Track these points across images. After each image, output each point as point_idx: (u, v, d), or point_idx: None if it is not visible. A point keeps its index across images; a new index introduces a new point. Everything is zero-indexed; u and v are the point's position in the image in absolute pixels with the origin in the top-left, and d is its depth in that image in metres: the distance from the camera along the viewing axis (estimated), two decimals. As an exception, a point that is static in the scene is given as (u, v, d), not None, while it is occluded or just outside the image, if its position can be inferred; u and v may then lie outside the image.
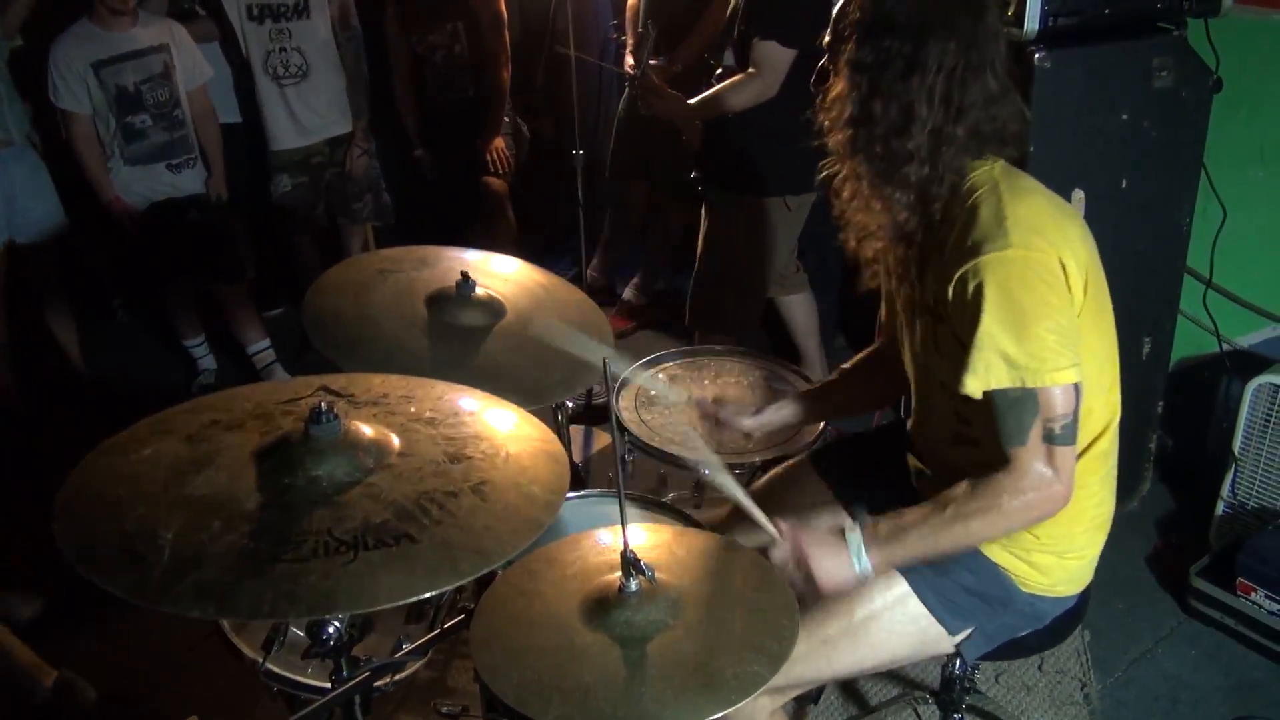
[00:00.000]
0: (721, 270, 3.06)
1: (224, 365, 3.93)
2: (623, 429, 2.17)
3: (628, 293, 4.11)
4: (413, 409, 1.40)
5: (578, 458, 2.89)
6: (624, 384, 2.30)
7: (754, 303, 3.12)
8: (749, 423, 1.88)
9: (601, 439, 3.24)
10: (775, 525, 1.51)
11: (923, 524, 1.44)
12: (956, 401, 1.44)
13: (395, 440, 1.31)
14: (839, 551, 1.47)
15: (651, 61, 3.04)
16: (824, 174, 1.58)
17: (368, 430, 1.30)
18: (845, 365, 1.93)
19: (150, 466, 1.22)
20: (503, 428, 1.42)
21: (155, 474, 1.21)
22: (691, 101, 2.87)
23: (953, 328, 1.43)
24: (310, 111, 3.75)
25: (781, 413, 1.89)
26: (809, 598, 1.50)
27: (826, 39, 1.52)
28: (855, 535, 1.47)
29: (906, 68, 1.40)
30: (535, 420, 1.46)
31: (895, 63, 1.40)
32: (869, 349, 1.90)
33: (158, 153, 3.47)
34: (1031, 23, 2.15)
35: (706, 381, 2.36)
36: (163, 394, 3.83)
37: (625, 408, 2.24)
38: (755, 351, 2.53)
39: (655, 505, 1.94)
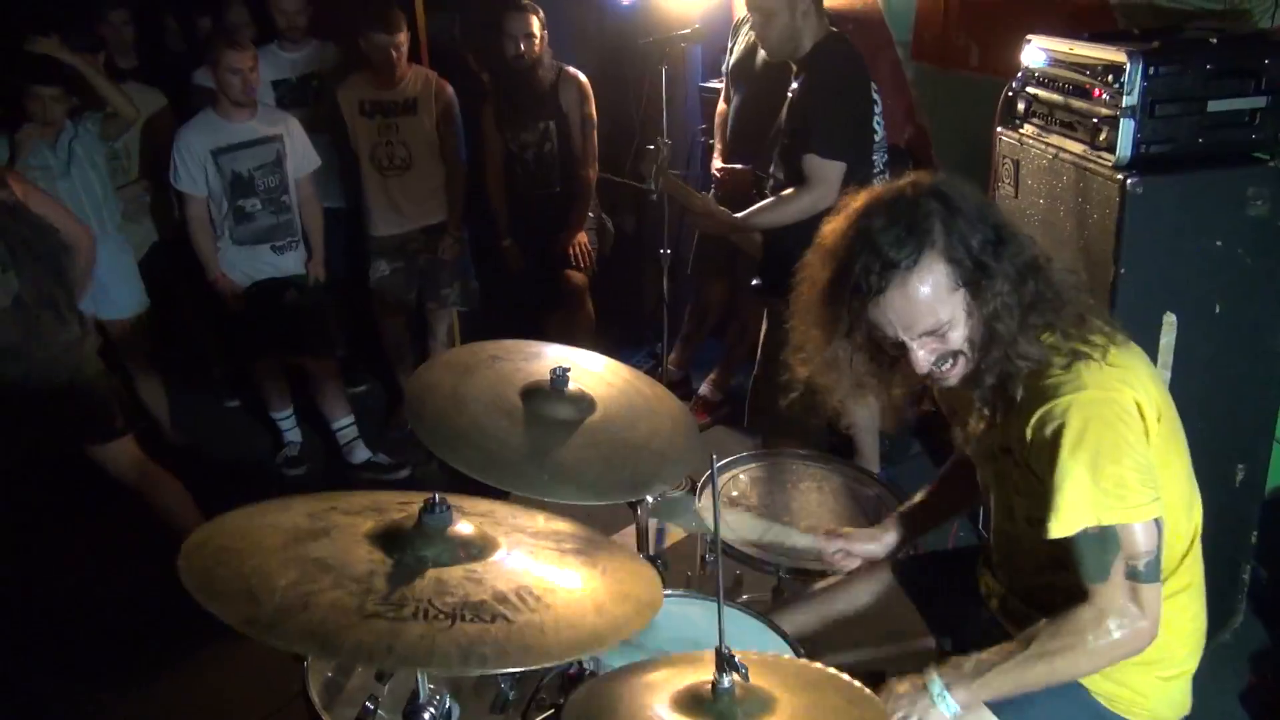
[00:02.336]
0: (779, 374, 3.08)
1: (309, 439, 4.05)
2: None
3: (704, 388, 4.15)
4: (517, 522, 1.46)
5: (650, 551, 2.90)
6: (707, 483, 2.32)
7: (813, 413, 3.12)
8: (873, 548, 1.92)
9: (673, 534, 3.25)
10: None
11: (1006, 661, 1.44)
12: (1040, 535, 1.44)
13: (501, 540, 1.36)
14: (921, 699, 1.47)
15: (676, 173, 3.08)
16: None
17: (478, 528, 1.34)
18: (942, 473, 1.95)
19: (271, 531, 1.29)
20: (600, 553, 1.45)
21: (274, 537, 1.28)
22: (741, 214, 2.91)
23: (1032, 469, 1.44)
24: (410, 201, 3.94)
25: (888, 536, 1.93)
26: None
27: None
28: (936, 680, 1.47)
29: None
30: (631, 550, 1.50)
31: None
32: (950, 461, 1.91)
33: (264, 235, 3.66)
34: (1124, 150, 2.19)
35: (788, 486, 2.37)
36: (249, 464, 4.03)
37: (706, 507, 2.26)
38: (832, 456, 2.54)
39: (737, 608, 1.95)
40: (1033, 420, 1.41)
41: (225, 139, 3.55)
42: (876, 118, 2.80)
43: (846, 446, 3.30)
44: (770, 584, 2.19)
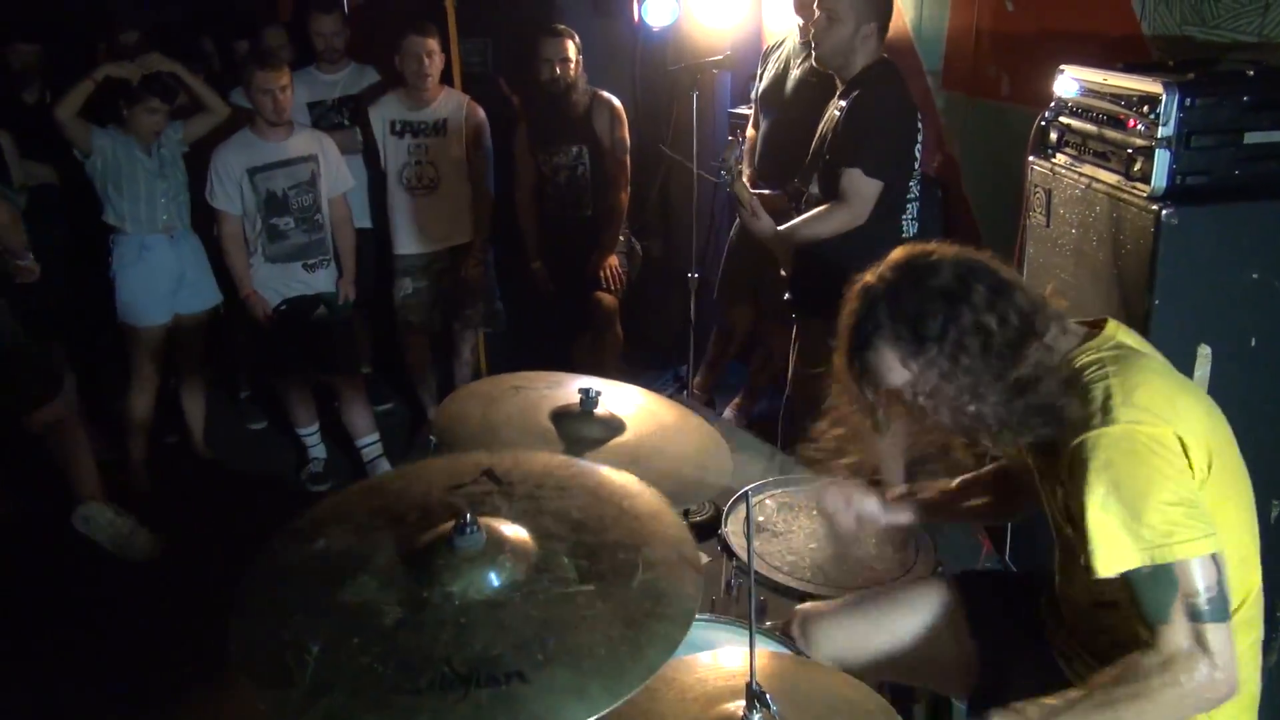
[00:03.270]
0: (812, 396, 3.07)
1: (333, 455, 4.07)
2: (731, 553, 2.19)
3: (728, 412, 4.15)
4: (563, 501, 1.43)
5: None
6: (733, 507, 2.32)
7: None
8: (875, 512, 1.94)
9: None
10: None
11: (1069, 711, 1.38)
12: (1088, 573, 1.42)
13: (531, 549, 1.33)
14: None
15: (742, 169, 3.10)
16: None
17: (508, 534, 1.32)
18: (967, 476, 1.92)
19: (317, 563, 1.29)
20: (649, 527, 1.42)
21: (318, 573, 1.28)
22: (781, 227, 2.92)
23: (1070, 507, 1.42)
24: (436, 221, 3.97)
25: (899, 513, 1.94)
26: None
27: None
28: None
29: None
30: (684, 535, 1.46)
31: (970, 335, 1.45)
32: (993, 465, 1.89)
33: (296, 253, 3.71)
34: (1159, 180, 2.18)
35: (815, 512, 2.35)
36: (272, 480, 4.05)
37: (734, 532, 2.25)
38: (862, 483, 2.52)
39: (763, 634, 1.93)
40: (1065, 454, 1.40)
41: (261, 158, 3.61)
42: (918, 145, 2.81)
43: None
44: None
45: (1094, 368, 1.44)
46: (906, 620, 1.84)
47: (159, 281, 3.71)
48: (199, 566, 3.37)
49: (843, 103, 2.83)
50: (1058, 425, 1.41)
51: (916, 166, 2.88)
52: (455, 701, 1.13)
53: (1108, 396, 1.39)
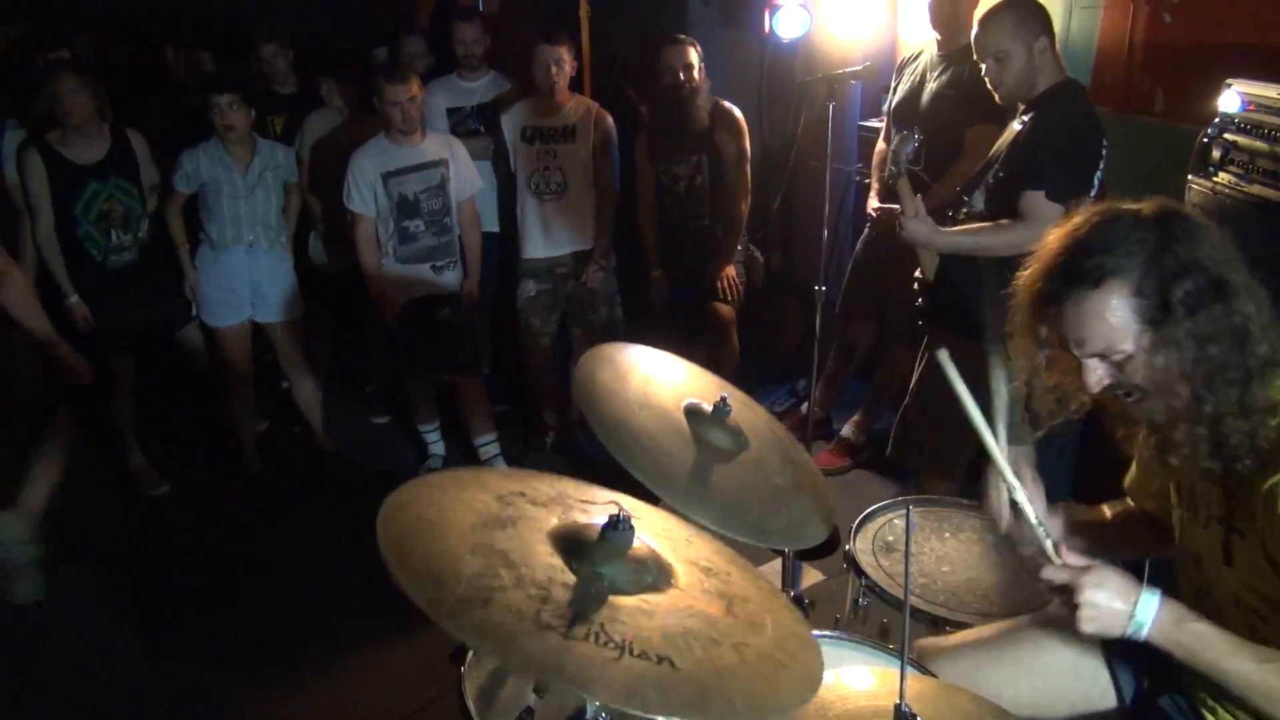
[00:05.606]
0: (934, 408, 2.99)
1: (451, 453, 4.16)
2: (860, 571, 2.14)
3: (846, 429, 4.07)
4: (692, 553, 1.44)
5: (793, 590, 2.85)
6: (862, 525, 2.27)
7: (962, 446, 3.02)
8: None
9: (810, 574, 3.18)
10: (1058, 551, 1.44)
11: (1237, 646, 1.31)
12: (1254, 617, 1.33)
13: (677, 570, 1.34)
14: (1124, 594, 1.36)
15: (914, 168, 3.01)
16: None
17: (654, 550, 1.34)
18: (1117, 506, 1.83)
19: (463, 509, 1.32)
20: (766, 599, 1.43)
21: (466, 516, 1.31)
22: (948, 231, 2.82)
23: (1262, 543, 1.33)
24: (562, 225, 4.02)
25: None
26: None
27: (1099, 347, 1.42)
28: (1154, 595, 1.36)
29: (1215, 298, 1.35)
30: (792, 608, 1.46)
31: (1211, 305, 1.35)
32: (1121, 507, 1.79)
33: (425, 254, 3.81)
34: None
35: (947, 535, 2.29)
36: (393, 473, 4.13)
37: (863, 550, 2.20)
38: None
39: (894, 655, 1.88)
40: (1264, 491, 1.30)
41: (394, 163, 3.72)
42: (1099, 171, 2.70)
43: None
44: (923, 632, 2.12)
45: None
46: (1034, 659, 1.75)
47: (233, 286, 3.86)
48: (295, 550, 3.50)
49: (1025, 119, 2.73)
50: (1253, 454, 1.32)
51: (1093, 192, 2.76)
52: (607, 661, 1.15)
53: None
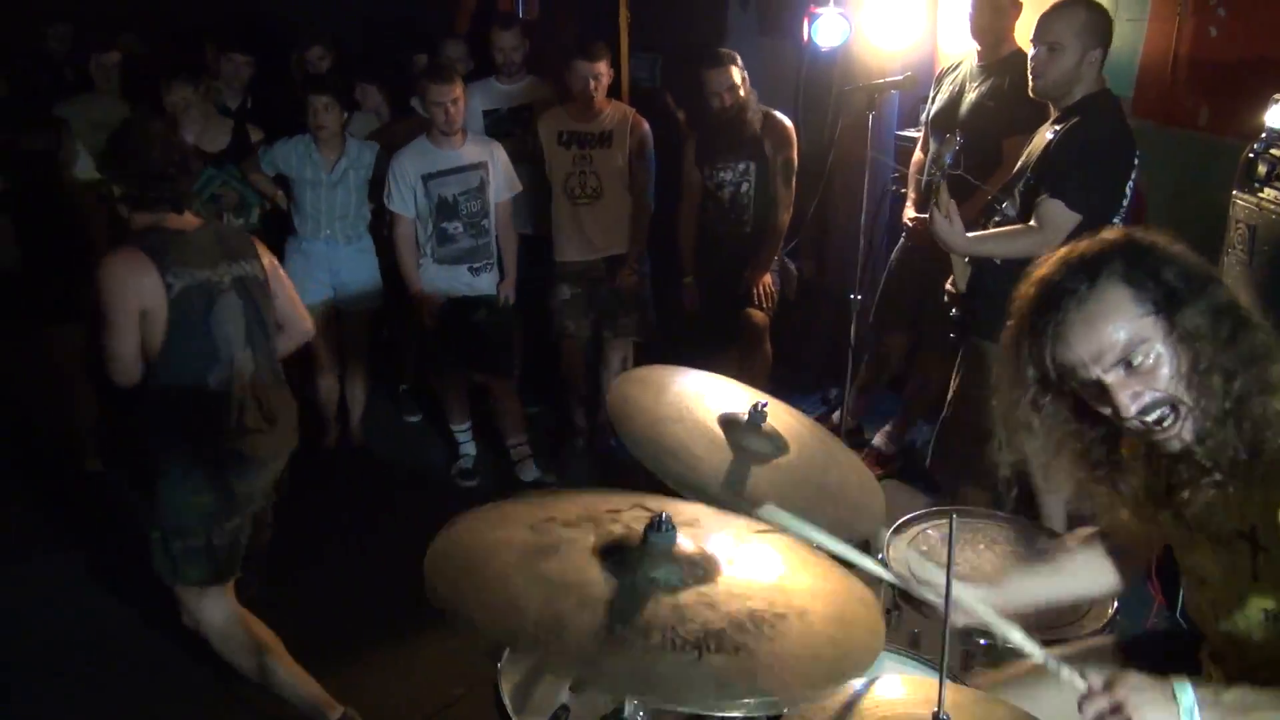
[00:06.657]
0: (974, 419, 2.97)
1: (482, 453, 4.18)
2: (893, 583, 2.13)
3: (878, 439, 4.06)
4: (727, 537, 1.44)
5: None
6: (895, 534, 2.27)
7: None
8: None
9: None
10: (1084, 678, 1.41)
11: (1274, 696, 1.31)
12: None
13: (719, 558, 1.35)
14: (1159, 687, 1.34)
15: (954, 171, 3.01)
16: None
17: (697, 545, 1.35)
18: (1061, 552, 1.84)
19: (504, 547, 1.33)
20: (809, 558, 1.43)
21: (508, 553, 1.31)
22: (972, 234, 2.81)
23: None
24: (597, 230, 4.04)
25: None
26: None
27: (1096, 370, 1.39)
28: (1188, 694, 1.34)
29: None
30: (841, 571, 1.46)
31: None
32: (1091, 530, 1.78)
33: (463, 256, 3.84)
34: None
35: (982, 547, 2.28)
36: (424, 472, 4.20)
37: (896, 559, 2.19)
38: (1028, 522, 2.43)
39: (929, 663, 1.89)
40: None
41: (434, 165, 3.76)
42: (1130, 183, 2.68)
43: (1031, 500, 3.16)
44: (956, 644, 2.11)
45: None
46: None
47: (314, 269, 3.97)
48: (325, 546, 3.53)
49: (1057, 127, 2.72)
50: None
51: (1125, 204, 2.74)
52: (692, 662, 1.16)
53: None
